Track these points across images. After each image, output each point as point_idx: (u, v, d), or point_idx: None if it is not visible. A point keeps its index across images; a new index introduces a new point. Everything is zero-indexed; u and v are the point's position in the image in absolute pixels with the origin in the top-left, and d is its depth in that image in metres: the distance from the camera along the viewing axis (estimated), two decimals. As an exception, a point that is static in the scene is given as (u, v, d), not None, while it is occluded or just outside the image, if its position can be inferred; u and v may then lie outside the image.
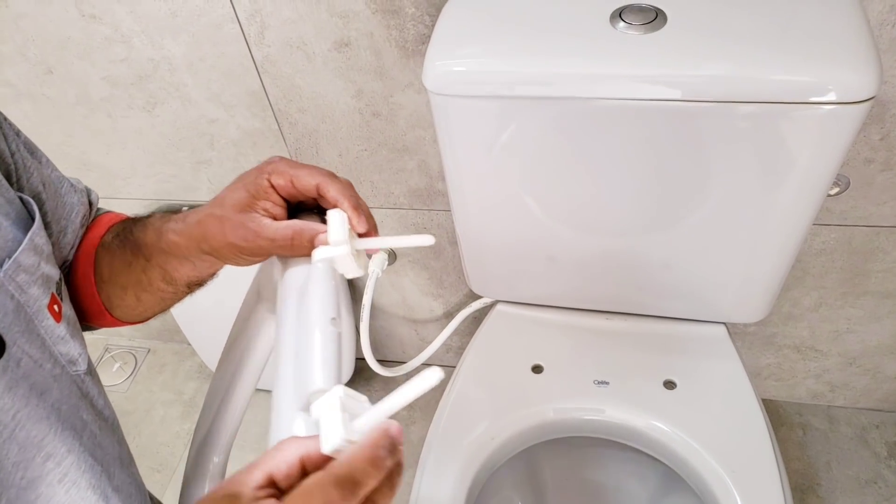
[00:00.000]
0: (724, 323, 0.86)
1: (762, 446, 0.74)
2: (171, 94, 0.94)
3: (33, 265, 0.38)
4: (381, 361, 1.09)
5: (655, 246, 0.75)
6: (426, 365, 1.37)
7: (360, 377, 1.39)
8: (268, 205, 0.42)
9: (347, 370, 1.37)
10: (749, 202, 0.67)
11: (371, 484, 0.30)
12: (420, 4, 0.76)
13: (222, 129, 0.98)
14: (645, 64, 0.59)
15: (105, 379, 1.49)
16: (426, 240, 0.42)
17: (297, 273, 0.42)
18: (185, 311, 1.26)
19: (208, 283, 0.50)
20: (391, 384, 1.33)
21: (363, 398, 0.33)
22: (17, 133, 0.44)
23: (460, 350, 1.32)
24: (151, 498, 0.54)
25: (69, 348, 0.41)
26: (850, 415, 1.25)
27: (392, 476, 0.31)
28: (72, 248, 0.49)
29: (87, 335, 0.48)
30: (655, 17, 0.61)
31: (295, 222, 0.42)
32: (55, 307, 0.40)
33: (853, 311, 1.05)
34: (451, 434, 0.79)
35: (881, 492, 1.15)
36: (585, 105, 0.61)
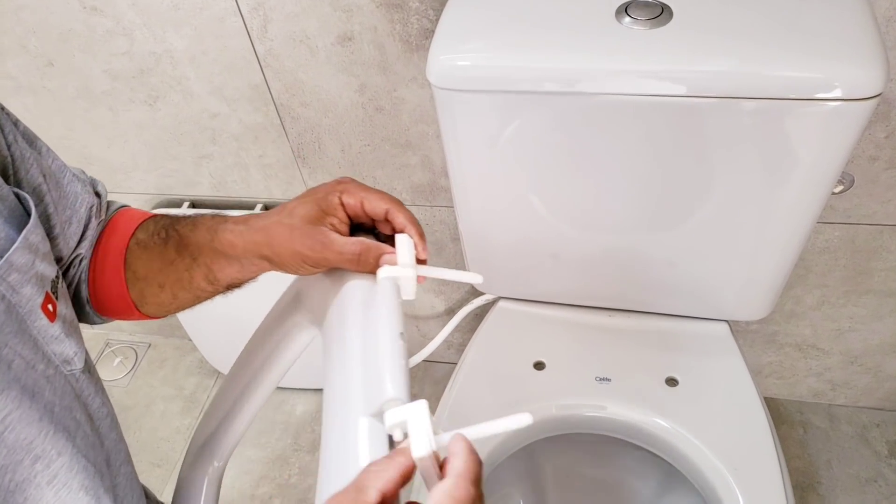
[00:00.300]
0: (726, 320, 0.86)
1: (764, 444, 0.74)
2: (172, 87, 0.94)
3: (27, 264, 0.38)
4: (383, 357, 1.09)
5: (659, 243, 0.75)
6: (428, 362, 1.37)
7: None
8: (335, 221, 0.45)
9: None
10: (753, 199, 0.66)
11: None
12: (424, -1, 0.76)
13: (224, 124, 0.98)
14: (650, 59, 0.58)
15: (105, 374, 1.49)
16: (476, 278, 0.46)
17: (358, 286, 0.43)
18: (186, 306, 1.25)
19: (245, 286, 0.51)
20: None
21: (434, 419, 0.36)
22: (15, 123, 0.44)
23: (462, 347, 1.32)
24: (149, 495, 0.54)
25: (63, 348, 0.41)
26: (851, 413, 1.25)
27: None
28: (79, 238, 0.49)
29: (86, 330, 0.48)
30: (661, 13, 0.60)
31: (363, 240, 0.44)
32: (49, 306, 0.40)
33: (855, 310, 1.05)
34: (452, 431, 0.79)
35: (881, 490, 1.15)
36: (590, 100, 0.61)
